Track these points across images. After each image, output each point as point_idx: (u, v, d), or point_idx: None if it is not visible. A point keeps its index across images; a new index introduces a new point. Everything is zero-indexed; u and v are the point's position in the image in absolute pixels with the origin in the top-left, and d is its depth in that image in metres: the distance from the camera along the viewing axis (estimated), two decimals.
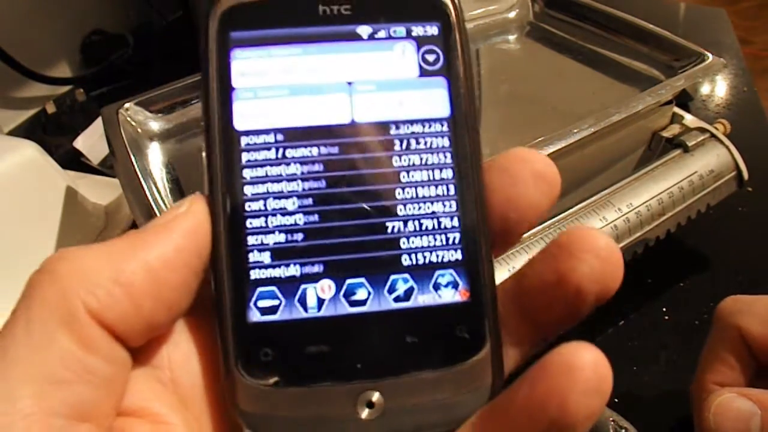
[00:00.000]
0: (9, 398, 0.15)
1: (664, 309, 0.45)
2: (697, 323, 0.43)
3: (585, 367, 0.15)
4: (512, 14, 0.59)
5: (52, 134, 0.64)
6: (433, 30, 0.20)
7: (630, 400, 0.39)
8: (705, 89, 0.67)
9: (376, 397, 0.17)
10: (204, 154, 0.19)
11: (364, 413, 0.17)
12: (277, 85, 0.19)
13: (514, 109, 0.49)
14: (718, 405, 0.29)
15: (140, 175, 0.41)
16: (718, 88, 0.68)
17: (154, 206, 0.39)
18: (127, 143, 0.42)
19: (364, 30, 0.19)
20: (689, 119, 0.47)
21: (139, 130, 0.45)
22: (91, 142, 0.59)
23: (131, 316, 0.16)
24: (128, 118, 0.45)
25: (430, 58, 0.20)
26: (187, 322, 0.19)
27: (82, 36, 0.72)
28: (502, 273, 0.32)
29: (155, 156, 0.45)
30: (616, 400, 0.38)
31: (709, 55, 0.46)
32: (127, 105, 0.45)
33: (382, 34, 0.19)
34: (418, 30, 0.20)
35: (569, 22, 0.56)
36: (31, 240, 0.45)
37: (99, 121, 0.49)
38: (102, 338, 0.16)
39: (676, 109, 0.48)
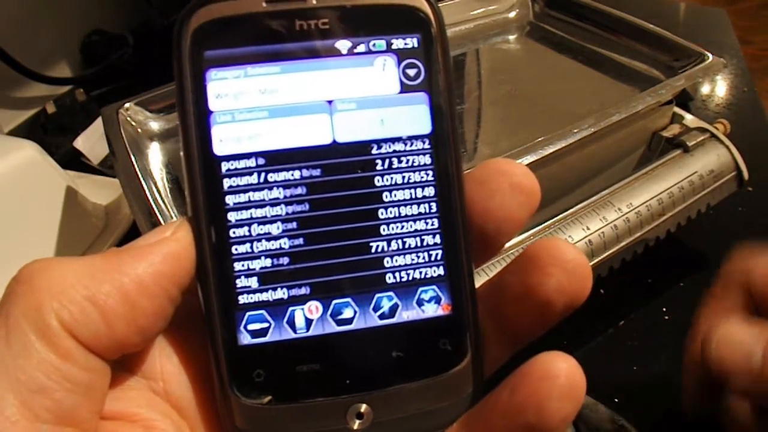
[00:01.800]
0: None
1: (664, 309, 0.45)
2: None
3: (560, 374, 0.16)
4: (512, 14, 0.59)
5: (52, 134, 0.64)
6: (413, 42, 0.19)
7: (630, 399, 0.39)
8: (705, 89, 0.67)
9: (365, 408, 0.18)
10: (185, 179, 0.19)
11: (355, 424, 0.18)
12: (256, 107, 0.19)
13: (514, 109, 0.49)
14: (721, 336, 0.28)
15: (140, 175, 0.41)
16: (718, 88, 0.68)
17: (154, 206, 0.39)
18: (127, 143, 0.42)
19: (343, 45, 0.19)
20: (689, 119, 0.48)
21: (139, 130, 0.45)
22: (91, 142, 0.59)
23: (103, 334, 0.16)
24: (128, 118, 0.45)
25: (411, 72, 0.19)
26: (180, 334, 0.19)
27: (82, 36, 0.72)
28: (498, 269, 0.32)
29: (155, 156, 0.45)
30: (616, 400, 0.38)
31: (709, 55, 0.46)
32: (127, 105, 0.45)
33: (361, 48, 0.19)
34: (398, 43, 0.19)
35: (569, 22, 0.56)
36: (31, 240, 0.45)
37: (99, 121, 0.49)
38: (76, 349, 0.16)
39: (677, 109, 0.48)
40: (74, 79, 0.71)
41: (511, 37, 0.57)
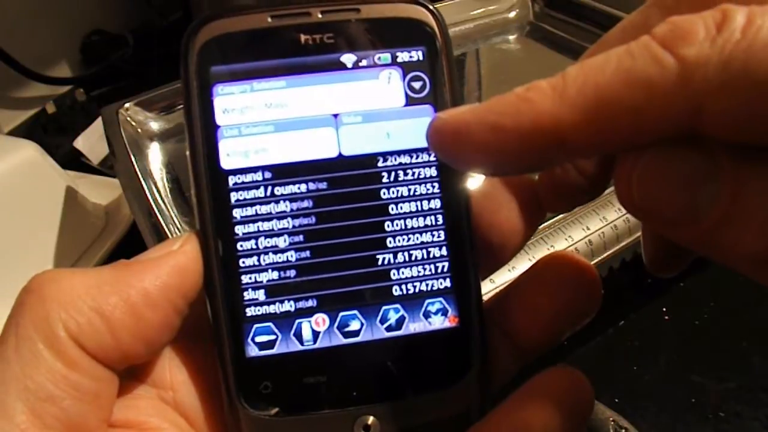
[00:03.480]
0: (6, 414, 0.15)
1: (664, 309, 0.45)
2: (697, 323, 0.43)
3: (567, 390, 0.16)
4: (512, 14, 0.59)
5: (52, 134, 0.64)
6: (418, 55, 0.19)
7: (630, 400, 0.39)
8: None
9: (372, 421, 0.18)
10: (192, 193, 0.19)
11: None
12: (262, 121, 0.19)
13: None
14: (646, 164, 0.14)
15: (140, 175, 0.41)
16: None
17: (154, 206, 0.39)
18: (127, 143, 0.42)
19: (348, 58, 0.19)
20: None
21: (139, 130, 0.45)
22: (91, 142, 0.59)
23: (109, 345, 0.17)
24: (128, 118, 0.45)
25: (417, 85, 0.19)
26: (190, 344, 0.19)
27: (82, 36, 0.72)
28: (503, 273, 0.32)
29: (155, 156, 0.45)
30: (616, 400, 0.38)
31: None
32: (127, 105, 0.45)
33: (366, 61, 0.19)
34: (403, 56, 0.19)
35: (569, 22, 0.56)
36: (31, 240, 0.45)
37: (99, 121, 0.49)
38: (83, 358, 0.16)
39: None
40: (74, 79, 0.71)
41: (511, 37, 0.57)
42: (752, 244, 0.13)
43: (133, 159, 0.42)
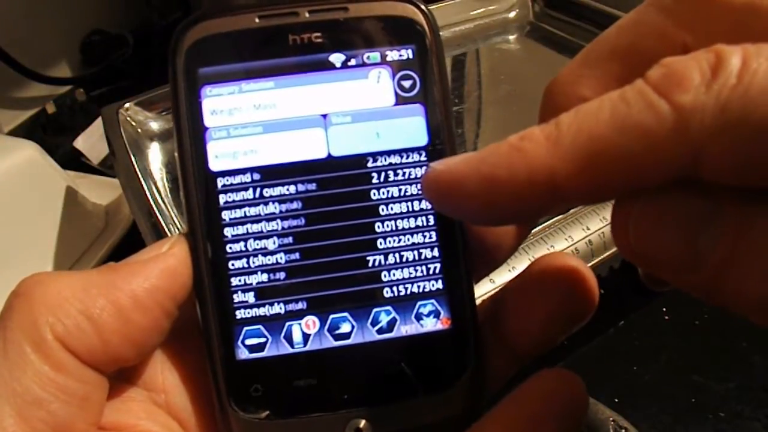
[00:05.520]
0: None
1: (664, 309, 0.45)
2: (697, 323, 0.43)
3: (561, 393, 0.16)
4: (512, 14, 0.59)
5: (52, 134, 0.64)
6: (408, 53, 0.19)
7: (630, 400, 0.39)
8: None
9: (363, 424, 0.18)
10: (181, 195, 0.19)
11: None
12: (251, 123, 0.19)
13: (514, 109, 0.49)
14: (643, 209, 0.14)
15: (140, 175, 0.41)
16: None
17: (154, 206, 0.39)
18: (127, 143, 0.42)
19: (336, 58, 0.19)
20: None
21: (139, 130, 0.45)
22: (91, 142, 0.59)
23: (97, 348, 0.16)
24: (128, 118, 0.45)
25: (406, 84, 0.19)
26: (182, 345, 0.19)
27: (82, 36, 0.72)
28: (502, 273, 0.33)
29: (155, 156, 0.45)
30: (616, 400, 0.38)
31: None
32: (127, 105, 0.45)
33: (355, 60, 0.19)
34: (392, 54, 0.19)
35: (569, 22, 0.56)
36: (31, 240, 0.45)
37: (99, 121, 0.49)
38: (70, 361, 0.16)
39: None
40: (74, 79, 0.71)
41: (511, 37, 0.57)
42: (757, 289, 0.12)
43: (133, 159, 0.42)
